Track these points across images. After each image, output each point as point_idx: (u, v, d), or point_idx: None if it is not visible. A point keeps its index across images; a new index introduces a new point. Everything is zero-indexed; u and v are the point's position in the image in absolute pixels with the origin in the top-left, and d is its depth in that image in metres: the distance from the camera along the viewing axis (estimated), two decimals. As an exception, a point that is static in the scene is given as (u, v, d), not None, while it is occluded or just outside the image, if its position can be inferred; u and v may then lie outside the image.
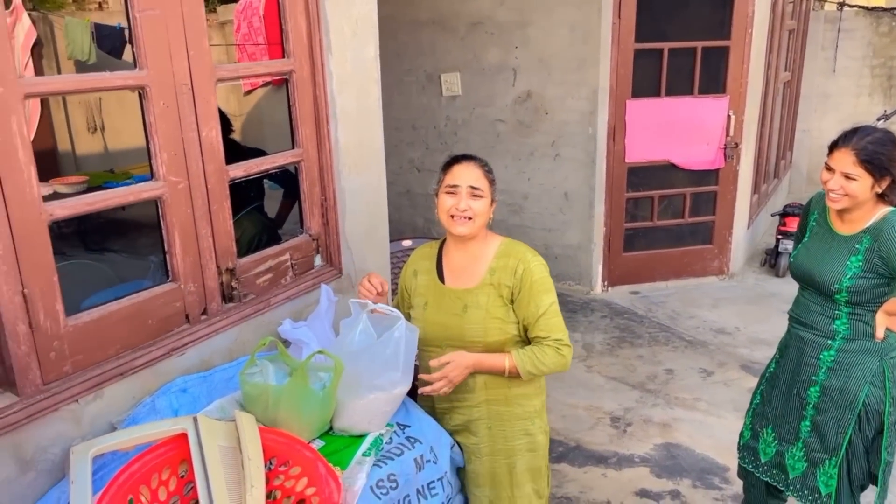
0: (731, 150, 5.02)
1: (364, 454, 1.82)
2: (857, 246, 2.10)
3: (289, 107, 2.19)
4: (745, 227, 5.38)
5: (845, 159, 2.03)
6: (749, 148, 5.17)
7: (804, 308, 2.28)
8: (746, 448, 2.53)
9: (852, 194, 2.04)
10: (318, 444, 1.85)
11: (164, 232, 1.88)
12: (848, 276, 2.09)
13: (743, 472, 2.61)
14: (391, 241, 3.37)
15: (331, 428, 1.90)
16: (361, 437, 1.88)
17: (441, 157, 5.86)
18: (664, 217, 5.24)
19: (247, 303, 2.09)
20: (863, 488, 2.29)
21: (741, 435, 2.57)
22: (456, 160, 1.96)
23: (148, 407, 1.85)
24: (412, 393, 2.05)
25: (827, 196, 2.12)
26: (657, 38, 4.76)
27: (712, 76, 4.92)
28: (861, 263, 2.08)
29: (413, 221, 5.99)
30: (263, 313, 2.12)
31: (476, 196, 1.90)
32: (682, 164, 5.00)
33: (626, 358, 4.25)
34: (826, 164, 2.11)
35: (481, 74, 5.26)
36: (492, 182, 1.95)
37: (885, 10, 7.54)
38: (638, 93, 4.82)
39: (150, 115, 1.80)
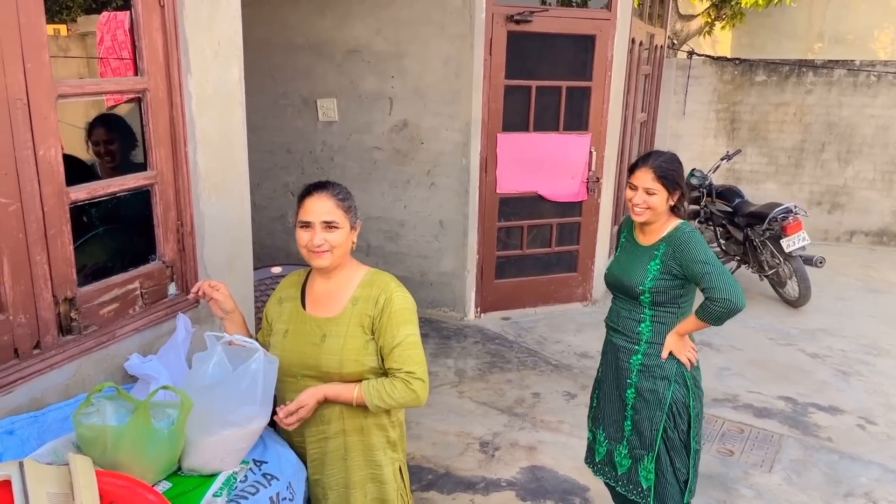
0: (593, 183, 5.34)
1: (215, 494, 1.73)
2: (655, 252, 2.41)
3: (142, 127, 2.08)
4: (607, 256, 5.71)
5: (645, 177, 2.37)
6: (609, 182, 5.52)
7: (615, 314, 2.56)
8: (589, 449, 2.74)
9: (653, 207, 2.37)
10: (164, 486, 1.74)
11: (-10, 258, 1.71)
12: (649, 279, 2.40)
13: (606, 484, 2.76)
14: (260, 268, 3.27)
15: (179, 468, 1.79)
16: (213, 476, 1.79)
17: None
18: (533, 246, 5.45)
19: (88, 335, 1.94)
20: (687, 483, 2.50)
21: (588, 438, 2.77)
22: (307, 192, 1.90)
23: (-34, 452, 1.67)
24: (274, 421, 1.99)
25: (631, 211, 2.43)
26: (526, 75, 5.00)
27: (576, 114, 5.23)
28: (659, 266, 2.39)
29: (287, 247, 5.85)
30: (107, 346, 1.98)
31: (331, 228, 1.87)
32: (549, 195, 5.25)
33: (496, 383, 4.35)
34: (629, 183, 2.43)
35: (358, 101, 5.28)
36: (348, 210, 1.90)
37: (728, 59, 8.38)
38: (508, 127, 5.03)
39: (-23, 131, 1.64)
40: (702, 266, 2.30)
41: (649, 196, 2.36)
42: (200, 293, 1.98)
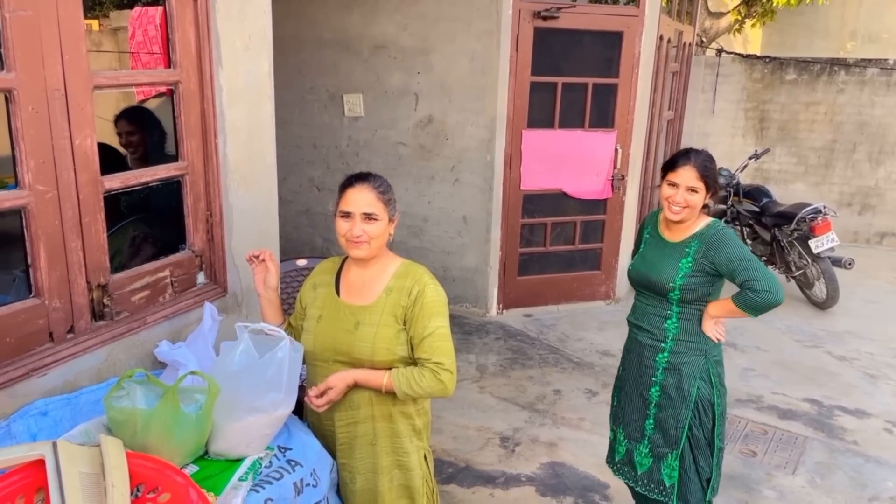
0: (617, 181, 5.31)
1: (240, 479, 1.77)
2: (686, 250, 2.39)
3: (174, 118, 2.12)
4: (631, 254, 5.67)
5: (689, 175, 2.34)
6: (634, 180, 5.49)
7: (641, 312, 2.55)
8: (611, 448, 2.74)
9: (693, 205, 2.35)
10: (191, 469, 1.78)
11: (28, 244, 1.77)
12: (680, 276, 2.38)
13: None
14: (285, 260, 3.32)
15: (206, 452, 1.83)
16: (239, 461, 1.83)
17: (342, 178, 5.90)
18: (556, 243, 5.44)
19: (120, 321, 1.99)
20: (709, 482, 2.50)
21: (610, 437, 2.77)
22: (350, 183, 1.94)
23: (2, 431, 1.72)
24: (298, 409, 2.02)
25: (668, 209, 2.39)
26: (552, 72, 4.98)
27: (602, 111, 5.20)
28: (691, 264, 2.37)
29: (312, 240, 5.91)
30: (138, 332, 2.03)
31: (371, 220, 1.90)
32: (573, 193, 5.23)
33: (517, 379, 4.36)
34: (669, 181, 2.39)
35: (384, 97, 5.31)
36: (387, 202, 1.94)
37: (758, 57, 8.26)
38: (533, 123, 5.02)
39: (17, 120, 1.69)
40: (739, 262, 2.29)
41: (691, 194, 2.34)
42: (262, 258, 2.04)
